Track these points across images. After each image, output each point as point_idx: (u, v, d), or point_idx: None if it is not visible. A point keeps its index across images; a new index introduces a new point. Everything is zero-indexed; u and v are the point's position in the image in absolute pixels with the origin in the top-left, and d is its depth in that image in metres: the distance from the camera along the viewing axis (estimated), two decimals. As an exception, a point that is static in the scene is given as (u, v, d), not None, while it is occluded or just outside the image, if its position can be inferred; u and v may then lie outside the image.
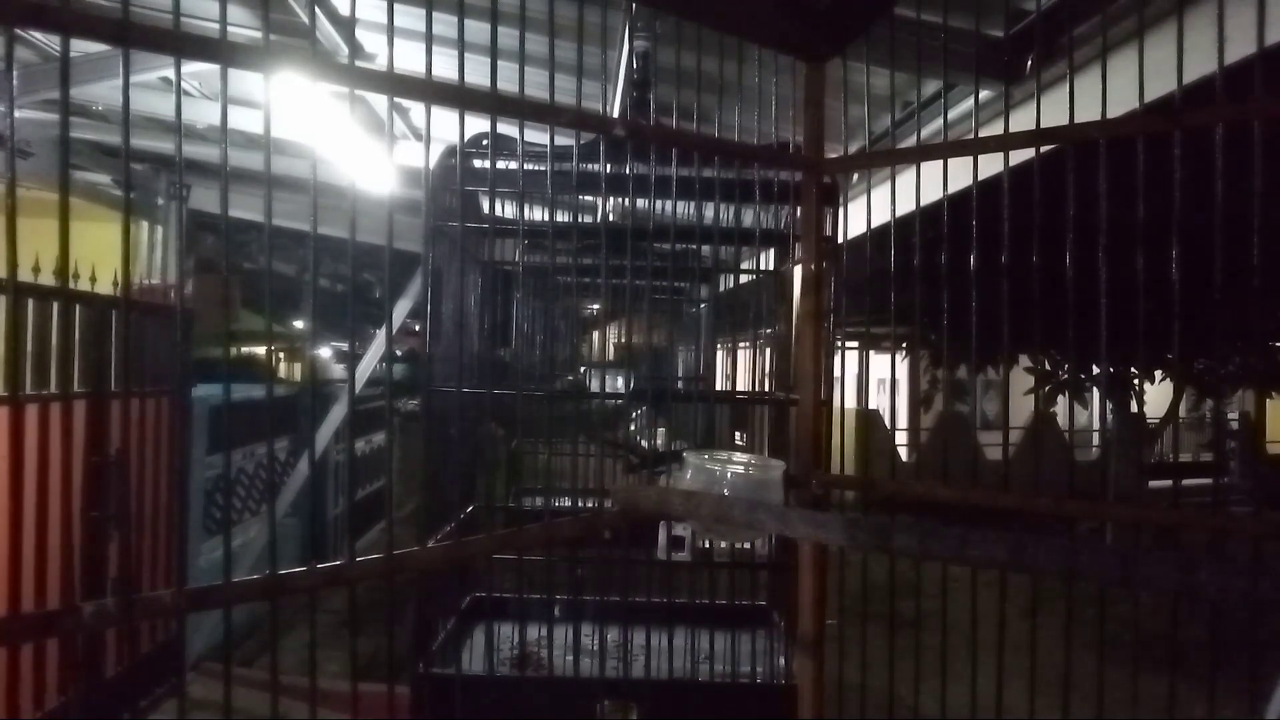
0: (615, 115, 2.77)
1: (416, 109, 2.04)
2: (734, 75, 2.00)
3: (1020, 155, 1.73)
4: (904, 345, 8.18)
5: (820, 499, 1.93)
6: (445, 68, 1.39)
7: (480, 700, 2.46)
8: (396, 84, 1.42)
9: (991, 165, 1.73)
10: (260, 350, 12.69)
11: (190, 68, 1.26)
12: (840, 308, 2.08)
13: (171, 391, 4.56)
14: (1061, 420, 10.51)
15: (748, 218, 3.32)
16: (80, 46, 2.93)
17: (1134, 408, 9.13)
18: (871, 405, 9.79)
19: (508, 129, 1.62)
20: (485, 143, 1.98)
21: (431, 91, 1.44)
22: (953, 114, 3.36)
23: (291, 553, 6.69)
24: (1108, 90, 1.59)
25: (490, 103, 1.52)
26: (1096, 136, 1.60)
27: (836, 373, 2.06)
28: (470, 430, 3.03)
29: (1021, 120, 1.77)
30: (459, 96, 1.47)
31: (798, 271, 2.05)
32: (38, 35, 3.82)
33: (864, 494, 2.01)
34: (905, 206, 1.86)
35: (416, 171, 1.86)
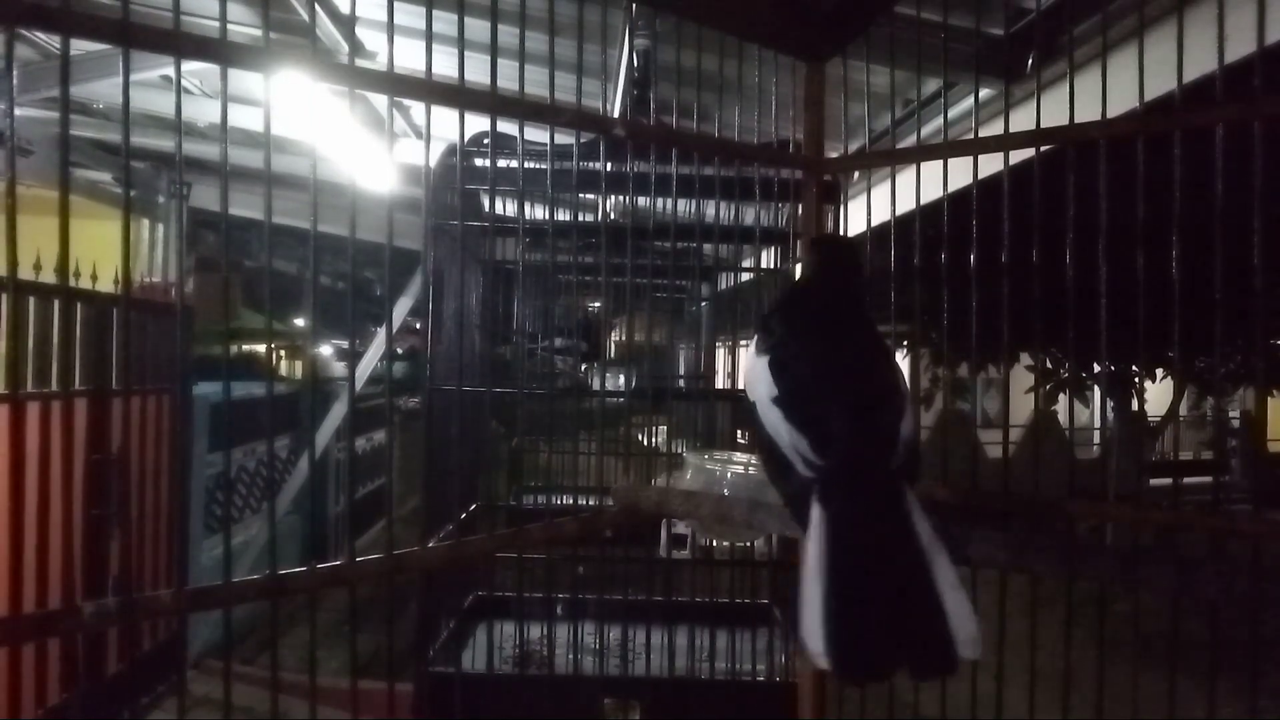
0: (616, 114, 2.77)
1: (417, 106, 2.05)
2: (734, 74, 2.00)
3: (1020, 155, 1.73)
4: (904, 343, 8.18)
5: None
6: (445, 65, 1.39)
7: (482, 698, 2.46)
8: (397, 83, 1.42)
9: (991, 164, 1.73)
10: (261, 348, 12.70)
11: (191, 65, 1.26)
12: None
13: (172, 389, 4.56)
14: (1062, 418, 10.51)
15: (748, 216, 3.32)
16: (81, 44, 2.94)
17: (1135, 406, 9.14)
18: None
19: (508, 127, 1.62)
20: (486, 141, 1.98)
21: (431, 91, 1.44)
22: (953, 113, 3.36)
23: (292, 551, 6.69)
24: (1108, 90, 1.59)
25: (490, 102, 1.52)
26: (1096, 136, 1.60)
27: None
28: (471, 428, 3.04)
29: (1021, 119, 1.77)
30: (459, 96, 1.48)
31: (798, 270, 2.06)
32: (38, 33, 3.82)
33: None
34: (905, 205, 1.86)
35: (417, 170, 1.87)
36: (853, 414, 1.12)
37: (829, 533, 1.03)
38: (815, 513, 1.06)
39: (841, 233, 2.02)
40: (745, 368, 1.26)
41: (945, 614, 0.96)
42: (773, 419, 1.16)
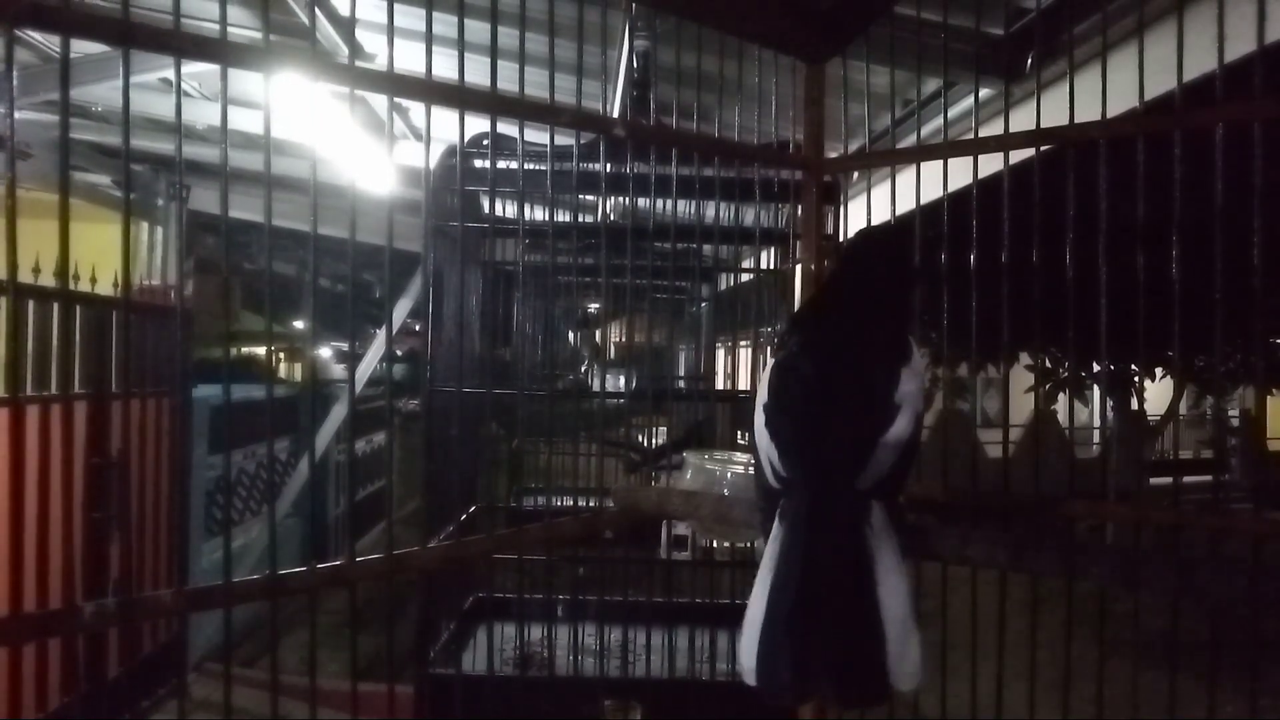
0: (615, 115, 2.77)
1: (416, 108, 2.05)
2: (734, 74, 2.00)
3: (1020, 154, 1.73)
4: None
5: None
6: (445, 67, 1.39)
7: (482, 700, 2.46)
8: (397, 84, 1.42)
9: (991, 164, 1.73)
10: (260, 350, 12.69)
11: (190, 68, 1.27)
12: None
13: (172, 392, 4.56)
14: (1062, 418, 10.51)
15: (748, 217, 3.32)
16: (80, 47, 2.93)
17: (1134, 405, 9.13)
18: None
19: (508, 129, 1.62)
20: (485, 142, 1.98)
21: (431, 91, 1.45)
22: (953, 113, 3.36)
23: (292, 553, 6.68)
24: (1108, 89, 1.59)
25: (490, 103, 1.52)
26: (1096, 136, 1.60)
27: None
28: (471, 430, 3.03)
29: (1021, 119, 1.77)
30: (459, 97, 1.48)
31: (798, 270, 2.06)
32: (37, 36, 3.82)
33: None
34: (905, 205, 1.86)
35: (417, 171, 1.87)
36: (823, 428, 1.10)
37: (778, 548, 1.03)
38: (775, 526, 1.06)
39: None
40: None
41: (884, 642, 0.94)
42: (759, 425, 1.16)
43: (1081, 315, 1.60)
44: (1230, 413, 12.36)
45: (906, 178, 1.89)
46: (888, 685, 0.94)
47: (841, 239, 2.09)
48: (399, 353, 14.66)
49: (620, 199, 2.72)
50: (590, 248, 3.06)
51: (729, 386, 3.93)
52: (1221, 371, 6.04)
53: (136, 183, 5.79)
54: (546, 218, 2.08)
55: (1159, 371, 8.11)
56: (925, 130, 3.18)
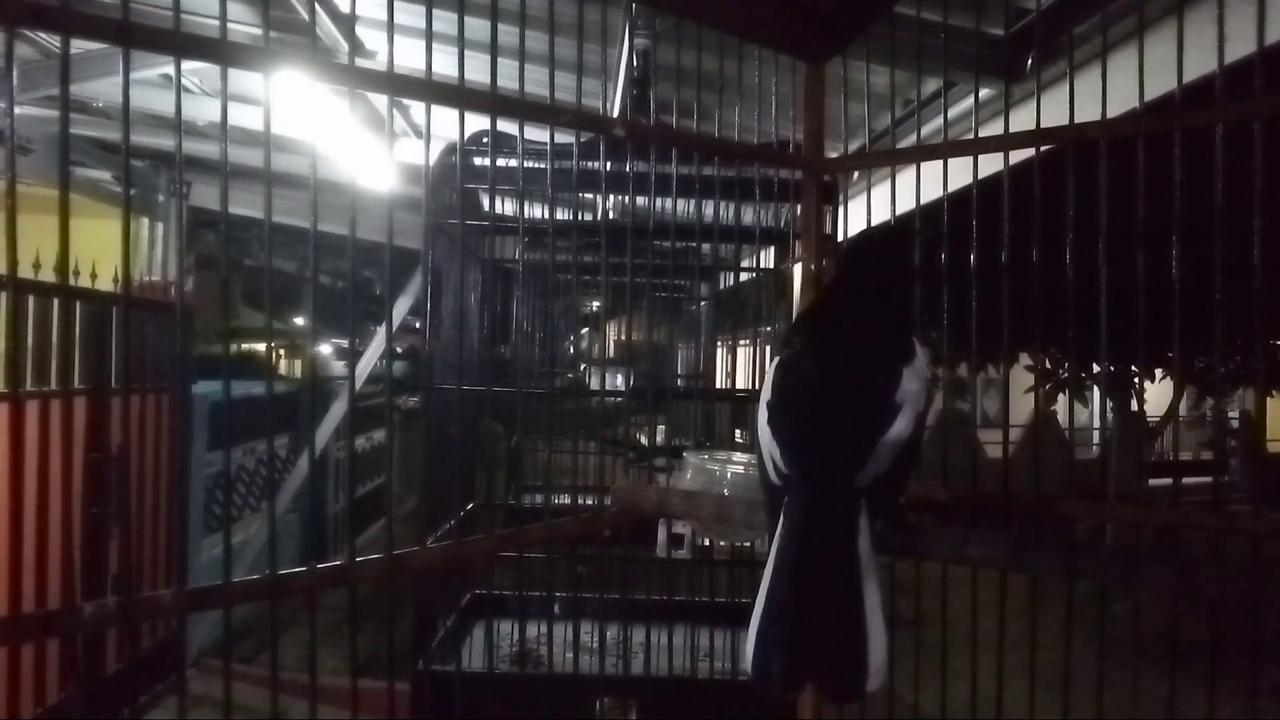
0: (615, 113, 2.77)
1: (417, 105, 2.05)
2: (734, 74, 2.00)
3: (1020, 155, 1.73)
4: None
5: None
6: (446, 65, 1.39)
7: (480, 697, 2.46)
8: (397, 83, 1.42)
9: (991, 164, 1.73)
10: (260, 347, 12.68)
11: (191, 64, 1.27)
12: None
13: (172, 388, 4.55)
14: (1062, 419, 10.51)
15: (748, 216, 3.32)
16: (81, 43, 2.93)
17: (1134, 406, 9.14)
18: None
19: (508, 127, 1.62)
20: (485, 140, 1.98)
21: (431, 91, 1.44)
22: (953, 113, 3.36)
23: (292, 550, 6.69)
24: (1108, 90, 1.59)
25: (490, 102, 1.52)
26: (1096, 136, 1.60)
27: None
28: (470, 428, 3.03)
29: (1021, 119, 1.77)
30: (459, 96, 1.47)
31: (798, 270, 2.06)
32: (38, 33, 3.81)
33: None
34: (905, 205, 1.86)
35: (417, 169, 1.87)
36: (823, 426, 1.11)
37: (777, 545, 1.04)
38: (778, 523, 1.07)
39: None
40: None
41: (867, 640, 0.96)
42: (762, 423, 1.17)
43: (1081, 316, 1.60)
44: (1230, 414, 12.37)
45: (906, 178, 1.88)
46: (866, 681, 0.96)
47: (841, 239, 2.09)
48: (399, 350, 14.67)
49: (620, 198, 2.72)
50: (590, 246, 3.05)
51: (728, 385, 3.93)
52: (1222, 373, 6.03)
53: (137, 178, 5.79)
54: (546, 216, 2.08)
55: (1159, 372, 8.11)
56: (925, 130, 3.18)
